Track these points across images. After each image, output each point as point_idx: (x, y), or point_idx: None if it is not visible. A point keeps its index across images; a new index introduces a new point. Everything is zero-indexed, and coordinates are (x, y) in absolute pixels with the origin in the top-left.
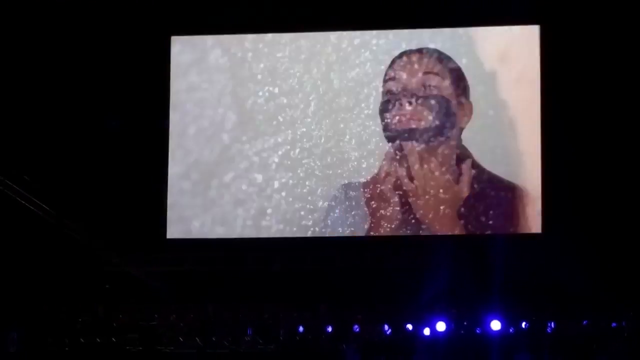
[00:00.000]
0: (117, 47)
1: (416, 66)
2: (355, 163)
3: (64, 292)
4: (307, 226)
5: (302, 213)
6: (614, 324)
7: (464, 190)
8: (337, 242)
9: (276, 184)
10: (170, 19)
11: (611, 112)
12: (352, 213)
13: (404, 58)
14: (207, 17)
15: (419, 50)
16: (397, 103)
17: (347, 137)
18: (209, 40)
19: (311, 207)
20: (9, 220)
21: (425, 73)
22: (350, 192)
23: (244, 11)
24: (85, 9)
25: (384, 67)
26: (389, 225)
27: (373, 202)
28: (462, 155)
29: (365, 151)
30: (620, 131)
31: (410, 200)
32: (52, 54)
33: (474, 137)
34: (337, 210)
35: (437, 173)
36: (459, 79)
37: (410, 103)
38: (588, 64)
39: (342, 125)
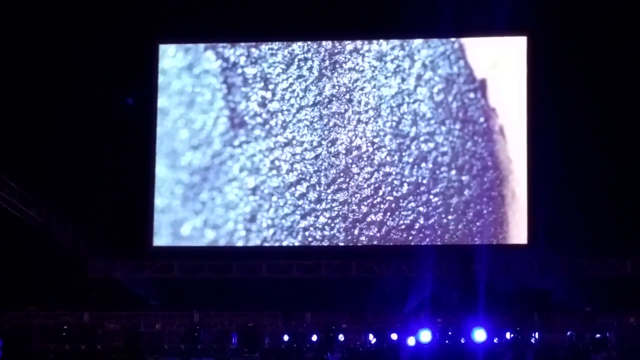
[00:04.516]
0: (105, 53)
1: None
2: (346, 168)
3: (49, 298)
4: (298, 230)
5: (293, 218)
6: (598, 335)
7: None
8: (323, 251)
9: (267, 189)
10: (161, 25)
11: (597, 120)
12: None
13: None
14: (199, 25)
15: None
16: None
17: (338, 142)
18: (202, 44)
19: (301, 211)
20: None
21: None
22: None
23: (237, 19)
24: (79, 14)
25: (375, 74)
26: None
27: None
28: None
29: (356, 157)
30: (606, 139)
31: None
32: (39, 60)
33: (465, 144)
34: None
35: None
36: None
37: None
38: (573, 73)
39: (333, 131)
